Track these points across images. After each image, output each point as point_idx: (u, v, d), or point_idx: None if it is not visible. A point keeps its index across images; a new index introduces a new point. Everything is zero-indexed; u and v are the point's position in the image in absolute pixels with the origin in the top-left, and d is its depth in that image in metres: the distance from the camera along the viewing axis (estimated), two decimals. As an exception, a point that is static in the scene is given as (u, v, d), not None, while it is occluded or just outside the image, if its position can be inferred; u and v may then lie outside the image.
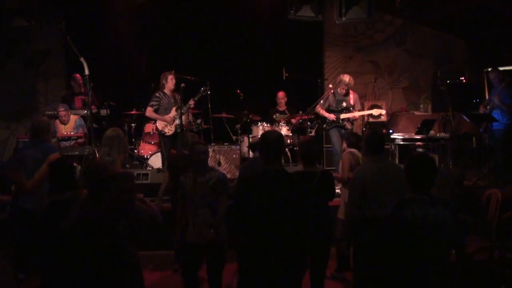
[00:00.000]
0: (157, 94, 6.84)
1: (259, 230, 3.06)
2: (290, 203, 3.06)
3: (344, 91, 7.00)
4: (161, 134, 6.87)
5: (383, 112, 7.30)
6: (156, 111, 6.80)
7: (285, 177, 3.17)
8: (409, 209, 2.81)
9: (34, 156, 4.63)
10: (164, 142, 6.82)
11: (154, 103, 6.79)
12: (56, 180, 3.52)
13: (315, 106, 7.12)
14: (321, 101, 7.13)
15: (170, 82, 6.78)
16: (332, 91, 7.05)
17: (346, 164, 4.96)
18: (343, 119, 6.99)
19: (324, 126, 7.18)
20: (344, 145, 5.39)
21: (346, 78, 6.96)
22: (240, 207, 3.18)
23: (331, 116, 7.00)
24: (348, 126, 7.07)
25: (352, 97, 7.09)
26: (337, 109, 7.06)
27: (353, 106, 7.08)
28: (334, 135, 7.05)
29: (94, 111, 6.88)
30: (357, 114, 7.05)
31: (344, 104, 7.04)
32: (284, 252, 3.04)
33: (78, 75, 7.49)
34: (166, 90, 6.82)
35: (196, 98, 6.86)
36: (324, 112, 7.09)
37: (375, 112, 7.16)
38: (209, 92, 7.00)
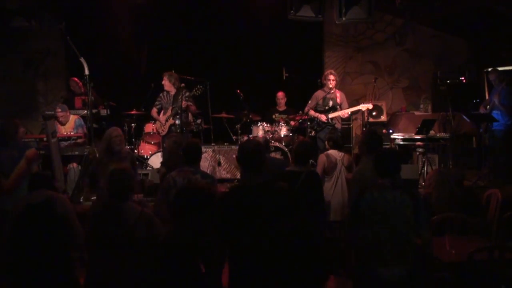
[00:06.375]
0: (160, 95, 6.98)
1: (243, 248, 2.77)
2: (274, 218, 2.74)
3: (333, 84, 6.95)
4: (159, 134, 7.09)
5: (370, 106, 7.31)
6: (159, 111, 6.97)
7: (267, 191, 2.81)
8: (369, 193, 3.26)
9: (10, 155, 4.44)
10: (163, 143, 6.88)
11: (157, 103, 7.00)
12: (35, 177, 3.52)
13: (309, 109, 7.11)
14: (309, 101, 7.13)
15: (165, 82, 6.84)
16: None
17: (319, 166, 4.94)
18: (332, 118, 6.98)
19: (316, 128, 7.10)
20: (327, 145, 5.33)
21: (330, 71, 7.09)
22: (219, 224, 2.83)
23: (322, 117, 6.98)
24: (338, 125, 7.05)
25: (338, 96, 7.08)
26: (324, 108, 7.04)
27: (340, 105, 7.07)
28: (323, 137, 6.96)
29: (94, 111, 6.89)
30: (346, 111, 7.04)
31: (331, 103, 7.03)
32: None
33: (75, 78, 7.54)
34: (167, 90, 6.91)
35: (186, 98, 6.68)
36: (313, 112, 7.07)
37: (362, 107, 7.16)
38: (200, 92, 6.73)
